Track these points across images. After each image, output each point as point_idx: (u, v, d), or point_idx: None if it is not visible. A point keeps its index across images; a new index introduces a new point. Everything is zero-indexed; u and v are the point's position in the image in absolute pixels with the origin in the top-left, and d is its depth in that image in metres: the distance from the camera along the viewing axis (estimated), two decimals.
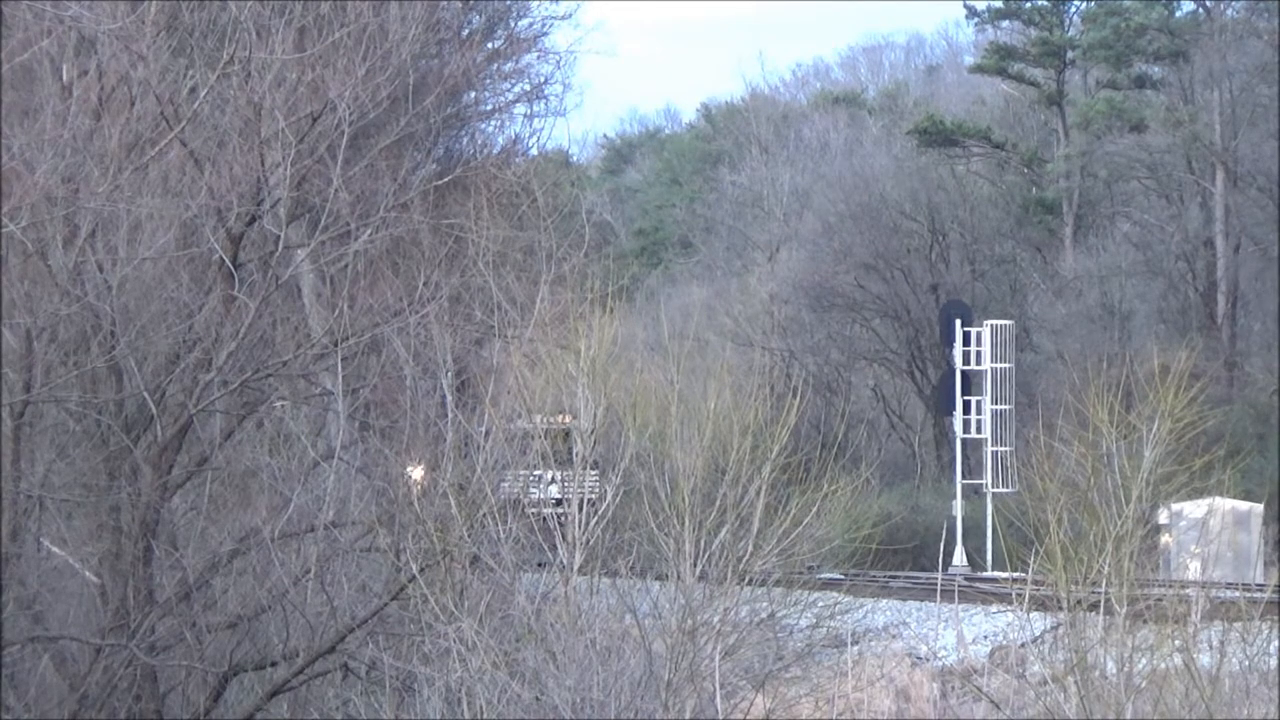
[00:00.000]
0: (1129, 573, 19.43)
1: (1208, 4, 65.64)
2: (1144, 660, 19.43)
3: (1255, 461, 46.22)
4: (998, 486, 49.51)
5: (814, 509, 21.82)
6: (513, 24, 44.83)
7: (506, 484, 21.81)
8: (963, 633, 33.35)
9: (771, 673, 22.70)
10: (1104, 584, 19.41)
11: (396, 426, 23.04)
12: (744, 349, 61.62)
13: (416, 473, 22.33)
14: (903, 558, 38.47)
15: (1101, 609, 19.56)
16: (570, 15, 52.60)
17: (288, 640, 21.50)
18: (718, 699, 20.28)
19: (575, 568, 21.06)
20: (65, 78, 23.00)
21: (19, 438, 21.11)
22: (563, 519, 21.57)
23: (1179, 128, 62.16)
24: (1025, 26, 70.81)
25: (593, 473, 21.73)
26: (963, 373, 52.84)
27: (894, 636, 33.86)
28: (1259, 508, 42.20)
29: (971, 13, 72.11)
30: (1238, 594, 20.73)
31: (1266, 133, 60.08)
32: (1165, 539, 34.89)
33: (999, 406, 52.35)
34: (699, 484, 21.01)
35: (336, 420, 24.40)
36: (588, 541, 21.14)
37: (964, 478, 51.62)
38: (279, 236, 22.65)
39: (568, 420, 22.19)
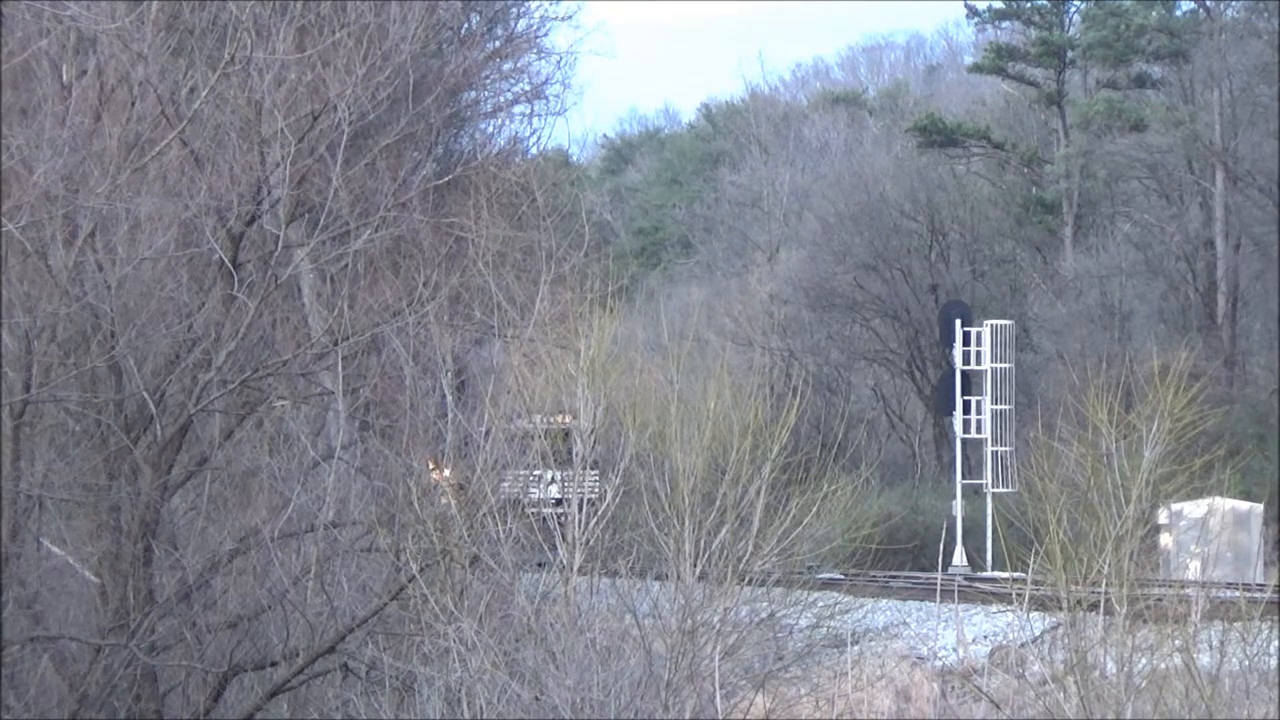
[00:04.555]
0: (1129, 573, 19.43)
1: (1208, 4, 65.61)
2: (1144, 660, 19.42)
3: (1255, 461, 46.20)
4: (998, 486, 49.49)
5: (814, 509, 21.82)
6: (513, 24, 44.82)
7: (506, 484, 21.81)
8: (963, 633, 33.34)
9: (771, 673, 22.72)
10: (1104, 584, 19.41)
11: (396, 426, 23.03)
12: (744, 349, 61.63)
13: (441, 473, 22.33)
14: (903, 558, 38.47)
15: (1101, 609, 19.56)
16: (570, 16, 52.52)
17: (288, 640, 21.48)
18: (718, 699, 20.27)
19: (575, 568, 21.05)
20: (65, 77, 22.99)
21: (19, 437, 21.10)
22: (563, 519, 21.56)
23: (1179, 127, 62.10)
24: (1025, 26, 70.77)
25: (593, 473, 21.72)
26: (963, 373, 52.82)
27: (894, 636, 33.84)
28: (1259, 508, 42.19)
29: (972, 13, 72.10)
30: (1238, 594, 20.70)
31: (1266, 133, 60.02)
32: (1165, 539, 34.87)
33: (999, 406, 52.32)
34: (699, 484, 21.01)
35: (336, 420, 24.40)
36: (588, 541, 21.13)
37: (964, 478, 51.58)
38: (279, 236, 22.63)
39: (568, 420, 22.19)
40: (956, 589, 34.22)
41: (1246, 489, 41.31)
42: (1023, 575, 20.47)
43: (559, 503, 22.06)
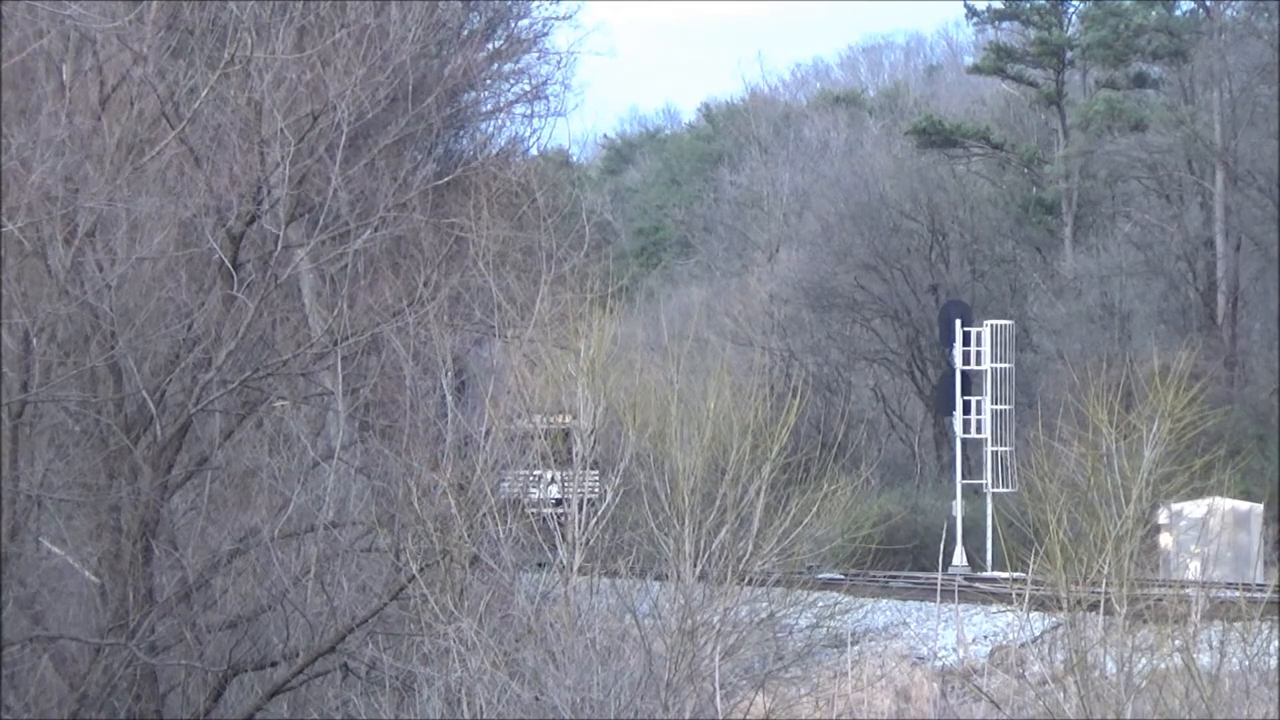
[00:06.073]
0: (1129, 573, 19.43)
1: (1208, 4, 65.59)
2: (1144, 660, 19.42)
3: (1255, 461, 46.17)
4: (998, 486, 49.47)
5: (814, 509, 21.83)
6: (513, 24, 44.83)
7: (506, 484, 21.80)
8: (963, 633, 33.34)
9: (771, 673, 22.72)
10: (1104, 584, 19.41)
11: (396, 426, 23.03)
12: (744, 349, 61.56)
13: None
14: (903, 558, 38.43)
15: (1101, 609, 19.56)
16: (571, 16, 52.30)
17: (288, 640, 21.49)
18: (718, 699, 20.28)
19: (575, 568, 21.05)
20: (64, 77, 22.98)
21: (18, 437, 21.09)
22: (563, 519, 21.56)
23: (1179, 127, 62.06)
24: (1024, 27, 70.73)
25: (593, 473, 21.72)
26: (963, 373, 52.80)
27: (894, 636, 33.84)
28: (1259, 508, 42.18)
29: (971, 13, 72.08)
30: (1238, 594, 20.70)
31: (1266, 133, 59.99)
32: (1165, 539, 34.86)
33: (999, 406, 52.30)
34: (699, 484, 21.01)
35: (336, 420, 24.39)
36: (588, 541, 21.13)
37: (964, 478, 51.56)
38: (279, 236, 22.64)
39: (568, 420, 22.18)
40: (956, 589, 34.22)
41: (1246, 489, 41.29)
42: (1023, 575, 20.47)
43: (559, 503, 22.05)
